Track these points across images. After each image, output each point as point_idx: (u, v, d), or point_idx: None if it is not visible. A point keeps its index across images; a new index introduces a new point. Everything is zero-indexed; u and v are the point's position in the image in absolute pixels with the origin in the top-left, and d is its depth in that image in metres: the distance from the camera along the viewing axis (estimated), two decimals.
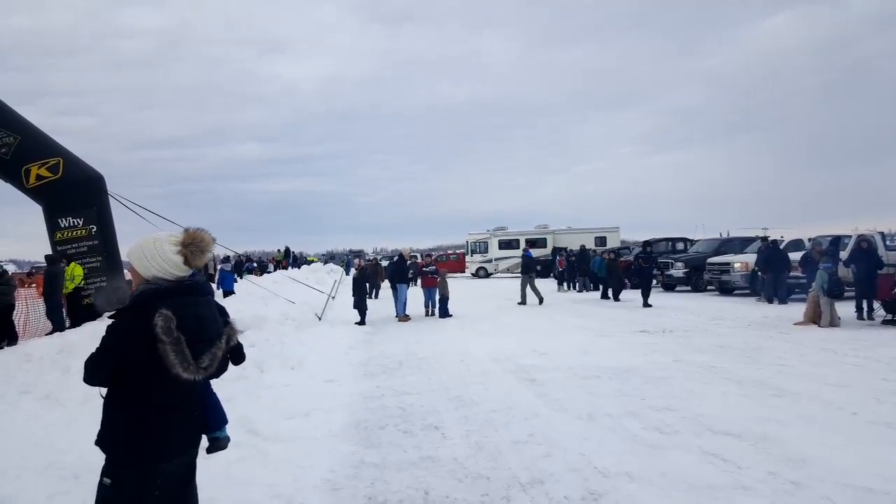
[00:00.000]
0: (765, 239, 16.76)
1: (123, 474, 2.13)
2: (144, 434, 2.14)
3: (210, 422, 2.65)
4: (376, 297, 20.55)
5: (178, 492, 2.30)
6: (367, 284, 15.16)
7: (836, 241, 13.80)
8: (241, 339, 2.81)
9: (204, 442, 2.62)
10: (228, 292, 16.87)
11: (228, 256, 19.12)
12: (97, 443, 2.19)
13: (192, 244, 2.25)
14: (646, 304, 15.29)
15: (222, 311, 2.44)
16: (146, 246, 2.22)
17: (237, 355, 2.55)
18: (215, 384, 2.98)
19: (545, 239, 34.25)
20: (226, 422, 2.81)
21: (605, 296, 18.57)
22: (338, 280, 19.37)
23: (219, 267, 20.61)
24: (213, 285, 18.82)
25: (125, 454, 2.14)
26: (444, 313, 14.44)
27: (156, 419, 2.15)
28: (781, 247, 16.04)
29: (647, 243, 18.79)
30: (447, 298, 14.67)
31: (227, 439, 2.80)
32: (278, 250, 37.00)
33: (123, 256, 13.58)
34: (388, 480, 3.92)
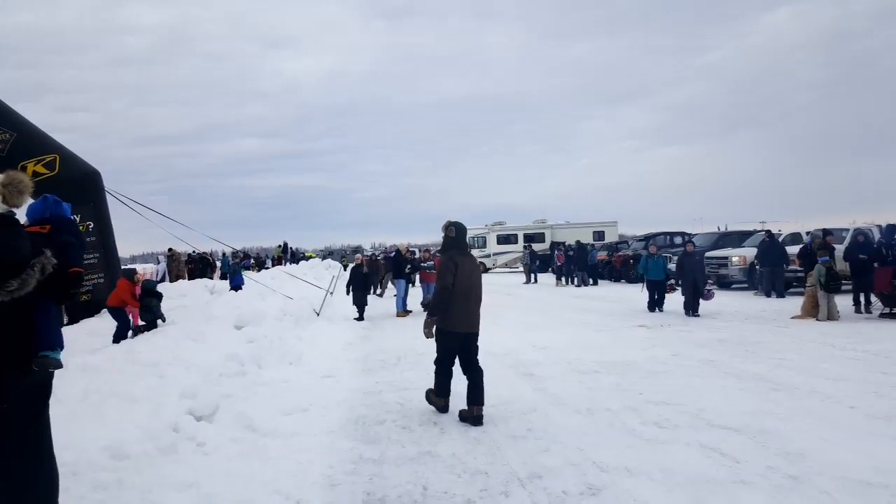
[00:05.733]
0: (767, 232, 16.73)
1: None
2: None
3: (40, 341, 2.77)
4: (374, 292, 20.53)
5: (28, 408, 2.60)
6: (367, 280, 15.15)
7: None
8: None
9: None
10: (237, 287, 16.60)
11: (238, 251, 19.15)
12: None
13: (11, 184, 2.51)
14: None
15: (61, 242, 2.70)
16: None
17: (59, 288, 2.75)
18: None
19: (543, 233, 34.25)
20: (60, 346, 2.92)
21: (658, 306, 12.89)
22: (336, 276, 19.36)
23: (231, 262, 20.86)
24: (214, 277, 18.75)
25: None
26: None
27: None
28: (780, 240, 16.04)
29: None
30: None
31: (57, 362, 2.90)
32: (278, 246, 36.93)
33: (121, 253, 13.56)
34: (387, 476, 3.92)
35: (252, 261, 32.66)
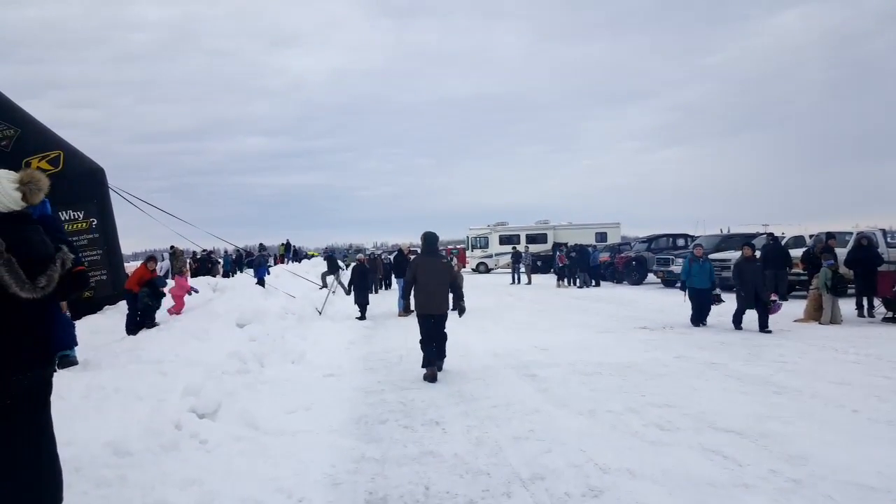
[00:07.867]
0: (770, 235, 16.67)
1: None
2: None
3: (59, 342, 2.81)
4: (375, 291, 20.56)
5: (33, 405, 2.56)
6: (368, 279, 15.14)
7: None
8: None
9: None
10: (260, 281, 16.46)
11: (264, 245, 19.43)
12: None
13: (31, 182, 2.51)
14: None
15: (55, 238, 2.69)
16: None
17: (76, 282, 2.76)
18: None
19: (546, 234, 34.19)
20: (75, 343, 2.98)
21: (701, 320, 10.69)
22: (338, 275, 19.36)
23: (256, 254, 21.32)
24: (217, 276, 18.73)
25: None
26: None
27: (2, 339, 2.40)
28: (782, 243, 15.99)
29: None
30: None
31: (75, 359, 2.96)
32: (281, 244, 36.91)
33: (124, 250, 13.58)
34: (389, 475, 3.92)
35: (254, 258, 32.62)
